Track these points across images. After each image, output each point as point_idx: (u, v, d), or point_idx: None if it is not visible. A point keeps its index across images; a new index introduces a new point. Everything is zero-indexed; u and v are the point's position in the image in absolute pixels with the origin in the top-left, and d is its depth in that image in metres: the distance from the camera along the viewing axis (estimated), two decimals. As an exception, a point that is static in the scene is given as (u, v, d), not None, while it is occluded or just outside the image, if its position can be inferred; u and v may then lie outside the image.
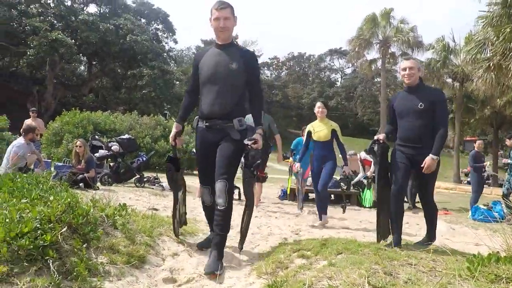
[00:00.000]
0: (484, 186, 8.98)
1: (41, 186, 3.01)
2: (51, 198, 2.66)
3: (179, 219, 3.43)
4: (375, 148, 3.79)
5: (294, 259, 2.74)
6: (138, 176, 8.91)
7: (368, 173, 8.88)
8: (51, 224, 2.39)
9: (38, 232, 2.27)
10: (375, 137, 3.88)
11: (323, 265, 2.46)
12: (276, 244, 3.72)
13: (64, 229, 2.41)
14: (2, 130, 13.86)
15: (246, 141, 2.94)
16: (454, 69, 17.79)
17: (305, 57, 56.89)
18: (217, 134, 3.05)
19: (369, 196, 8.74)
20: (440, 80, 17.79)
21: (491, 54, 12.01)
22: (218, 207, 2.90)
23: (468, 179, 20.05)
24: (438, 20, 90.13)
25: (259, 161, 3.00)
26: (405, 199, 7.70)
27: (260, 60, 50.14)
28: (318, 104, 5.65)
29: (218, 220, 2.94)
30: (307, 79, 55.49)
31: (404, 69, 3.73)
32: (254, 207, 6.48)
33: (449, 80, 18.26)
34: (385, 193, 3.77)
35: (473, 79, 14.81)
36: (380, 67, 19.52)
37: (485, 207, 7.87)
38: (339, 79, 57.56)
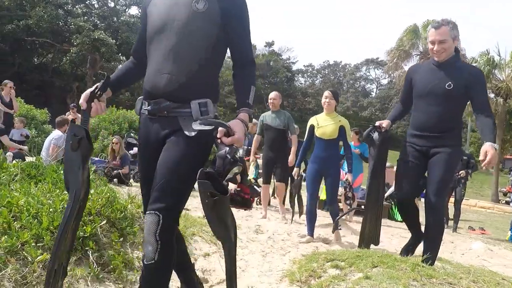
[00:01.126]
0: None
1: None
2: (92, 191, 2.73)
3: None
4: (374, 136, 2.99)
5: (328, 269, 2.68)
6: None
7: None
8: (91, 217, 2.45)
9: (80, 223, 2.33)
10: (377, 123, 3.06)
11: (359, 278, 2.40)
12: (307, 252, 3.67)
13: (103, 223, 2.46)
14: (43, 123, 14.45)
15: (197, 125, 1.64)
16: (498, 84, 17.14)
17: (340, 65, 56.49)
18: (164, 127, 1.73)
19: None
20: (482, 95, 17.17)
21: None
22: (144, 261, 1.63)
23: (507, 198, 19.18)
24: (484, 34, 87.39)
25: (237, 169, 1.57)
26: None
27: (294, 67, 50.42)
28: (326, 93, 4.55)
29: (142, 283, 1.69)
30: (342, 88, 54.97)
31: (433, 43, 2.77)
32: (280, 213, 6.31)
33: (492, 95, 17.59)
34: (375, 194, 3.17)
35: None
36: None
37: (526, 229, 7.53)
38: (375, 90, 56.70)
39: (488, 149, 2.55)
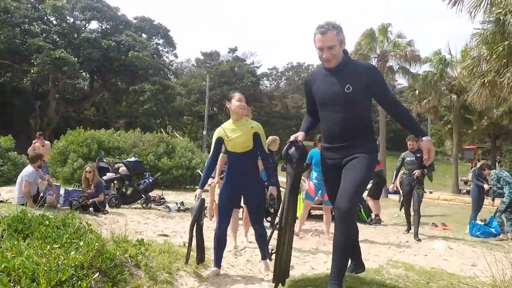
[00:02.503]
0: (484, 198, 8.98)
1: (69, 229, 3.27)
2: (81, 243, 2.92)
3: None
4: (291, 151, 2.88)
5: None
6: (144, 197, 9.16)
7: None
8: (84, 271, 2.65)
9: (74, 279, 2.53)
10: (292, 137, 2.91)
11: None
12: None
13: (96, 275, 2.66)
14: (8, 150, 14.12)
15: None
16: (451, 81, 18.17)
17: (303, 66, 57.38)
18: None
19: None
20: (438, 92, 18.15)
21: (486, 69, 12.33)
22: None
23: (468, 187, 20.29)
24: (434, 33, 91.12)
25: None
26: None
27: (259, 71, 50.87)
28: (238, 95, 3.76)
29: None
30: (306, 88, 55.93)
31: (321, 49, 2.69)
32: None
33: (446, 92, 18.61)
34: (290, 217, 2.90)
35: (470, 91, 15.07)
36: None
37: (482, 223, 8.10)
38: (338, 88, 58.02)
39: (429, 147, 2.66)
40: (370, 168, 2.73)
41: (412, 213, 7.44)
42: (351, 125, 2.70)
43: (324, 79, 2.78)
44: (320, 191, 6.63)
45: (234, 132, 3.69)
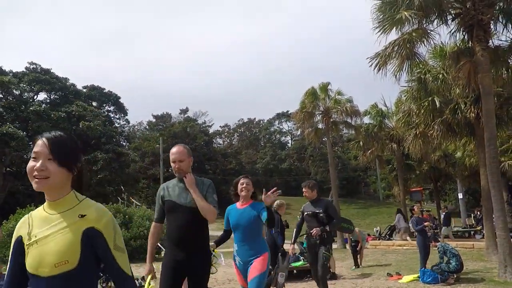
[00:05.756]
0: (430, 244, 9.37)
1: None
2: None
3: None
4: None
5: None
6: (103, 276, 8.97)
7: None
8: None
9: None
10: None
11: None
12: None
13: None
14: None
15: None
16: (390, 131, 19.67)
17: (255, 122, 59.20)
18: None
19: None
20: (379, 142, 19.50)
21: (416, 122, 13.67)
22: None
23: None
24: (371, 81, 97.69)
25: None
26: None
27: (211, 130, 51.79)
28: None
29: None
30: (259, 144, 57.36)
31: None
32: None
33: (388, 142, 20.01)
34: None
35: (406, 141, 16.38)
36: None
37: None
38: (290, 141, 59.97)
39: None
40: None
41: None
42: None
43: None
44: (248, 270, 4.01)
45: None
